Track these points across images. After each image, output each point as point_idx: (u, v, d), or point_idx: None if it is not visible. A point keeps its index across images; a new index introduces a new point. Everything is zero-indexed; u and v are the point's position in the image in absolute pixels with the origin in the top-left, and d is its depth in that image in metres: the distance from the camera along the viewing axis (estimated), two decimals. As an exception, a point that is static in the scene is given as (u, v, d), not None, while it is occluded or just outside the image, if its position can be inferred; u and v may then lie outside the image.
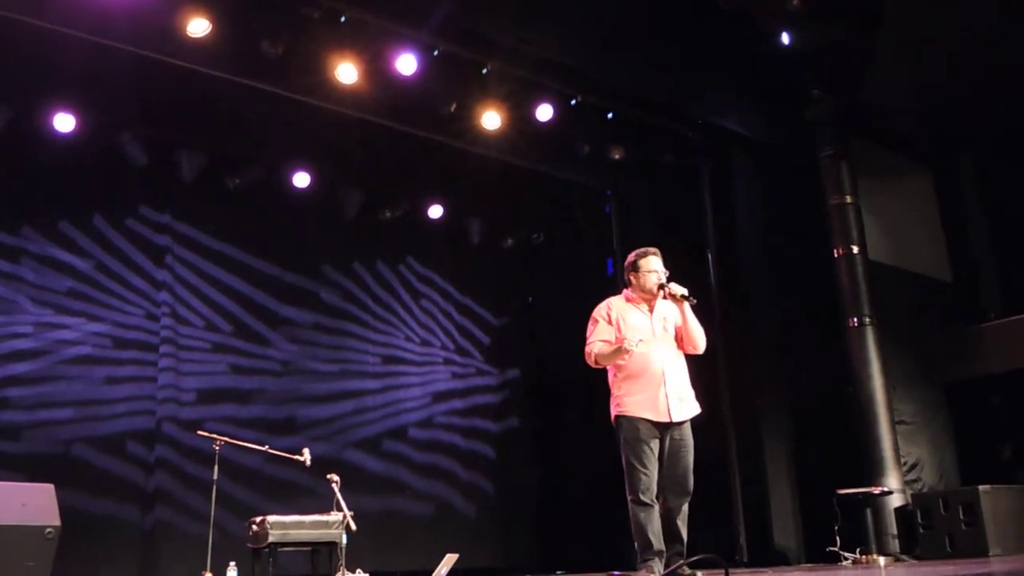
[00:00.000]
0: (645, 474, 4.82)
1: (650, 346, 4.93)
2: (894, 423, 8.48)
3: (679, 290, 5.02)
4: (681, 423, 4.94)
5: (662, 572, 4.70)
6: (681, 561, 4.78)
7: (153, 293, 9.06)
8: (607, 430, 5.17)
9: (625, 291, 5.24)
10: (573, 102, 8.97)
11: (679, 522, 4.89)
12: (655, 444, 4.88)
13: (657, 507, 4.84)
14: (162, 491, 8.57)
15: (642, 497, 4.79)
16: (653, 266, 5.11)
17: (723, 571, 4.80)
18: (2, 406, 8.01)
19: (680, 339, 5.12)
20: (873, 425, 8.36)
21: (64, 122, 8.27)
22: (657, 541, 4.77)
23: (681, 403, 4.96)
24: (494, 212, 11.26)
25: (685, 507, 4.92)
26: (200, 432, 6.54)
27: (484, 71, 8.40)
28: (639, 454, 4.85)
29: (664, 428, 4.90)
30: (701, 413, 5.07)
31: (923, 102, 9.38)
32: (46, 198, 8.56)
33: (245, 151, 9.40)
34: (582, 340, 5.15)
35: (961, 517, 7.62)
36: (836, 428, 8.60)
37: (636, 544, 4.83)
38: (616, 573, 6.88)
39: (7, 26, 6.83)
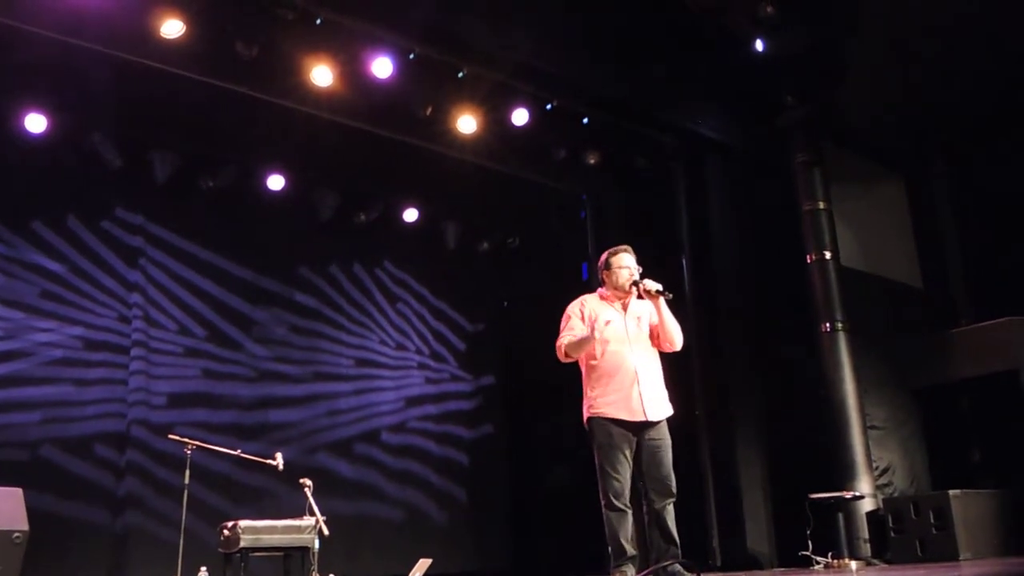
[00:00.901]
0: (617, 480, 4.78)
1: (624, 345, 4.90)
2: (866, 428, 8.52)
3: (653, 285, 4.93)
4: (657, 423, 4.89)
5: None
6: (675, 561, 4.73)
7: (125, 295, 8.98)
8: (581, 437, 5.13)
9: (599, 290, 5.20)
10: (548, 107, 8.95)
11: (669, 523, 4.79)
12: (628, 448, 4.84)
13: (630, 512, 4.79)
14: (133, 495, 8.49)
15: (615, 502, 4.76)
16: (625, 263, 5.05)
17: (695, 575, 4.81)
18: (-31, 409, 7.89)
19: (655, 337, 5.06)
20: (845, 430, 8.39)
21: (35, 122, 8.16)
22: (630, 546, 4.74)
23: (656, 402, 4.90)
24: (469, 216, 11.25)
25: (671, 507, 4.84)
26: (171, 436, 6.48)
27: (460, 75, 8.35)
28: (612, 459, 4.80)
29: (639, 429, 4.85)
30: (674, 416, 5.03)
31: (896, 109, 9.44)
32: (18, 199, 8.46)
33: (219, 153, 9.34)
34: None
35: (932, 521, 7.66)
36: (808, 433, 8.63)
37: (609, 549, 4.80)
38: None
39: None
